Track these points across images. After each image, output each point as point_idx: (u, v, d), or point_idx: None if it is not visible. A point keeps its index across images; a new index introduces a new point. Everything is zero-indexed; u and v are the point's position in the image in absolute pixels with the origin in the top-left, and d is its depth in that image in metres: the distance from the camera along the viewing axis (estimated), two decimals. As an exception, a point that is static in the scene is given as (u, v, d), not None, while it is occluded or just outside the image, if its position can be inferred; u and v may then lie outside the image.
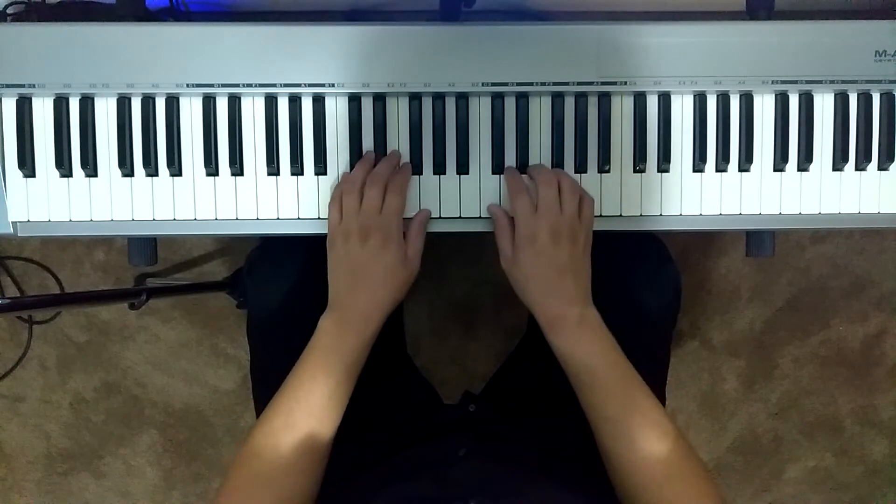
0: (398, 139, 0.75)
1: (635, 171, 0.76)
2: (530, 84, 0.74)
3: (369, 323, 0.70)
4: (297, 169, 0.75)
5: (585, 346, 0.69)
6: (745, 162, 0.76)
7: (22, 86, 0.72)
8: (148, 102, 0.74)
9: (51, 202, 0.75)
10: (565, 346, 0.69)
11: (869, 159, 0.77)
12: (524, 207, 0.70)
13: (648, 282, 0.82)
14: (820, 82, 0.75)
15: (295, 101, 0.74)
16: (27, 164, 0.74)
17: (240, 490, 0.67)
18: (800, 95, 0.76)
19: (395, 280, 0.71)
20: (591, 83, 0.74)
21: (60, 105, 0.74)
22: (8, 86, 0.73)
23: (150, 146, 0.74)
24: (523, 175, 0.74)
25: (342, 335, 0.70)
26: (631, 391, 0.68)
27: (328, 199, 0.74)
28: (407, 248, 0.72)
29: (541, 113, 0.75)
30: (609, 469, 0.70)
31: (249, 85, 0.73)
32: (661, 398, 0.85)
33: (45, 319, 1.39)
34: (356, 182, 0.72)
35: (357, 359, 0.70)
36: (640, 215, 0.76)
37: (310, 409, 0.68)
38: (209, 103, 0.74)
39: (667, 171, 0.76)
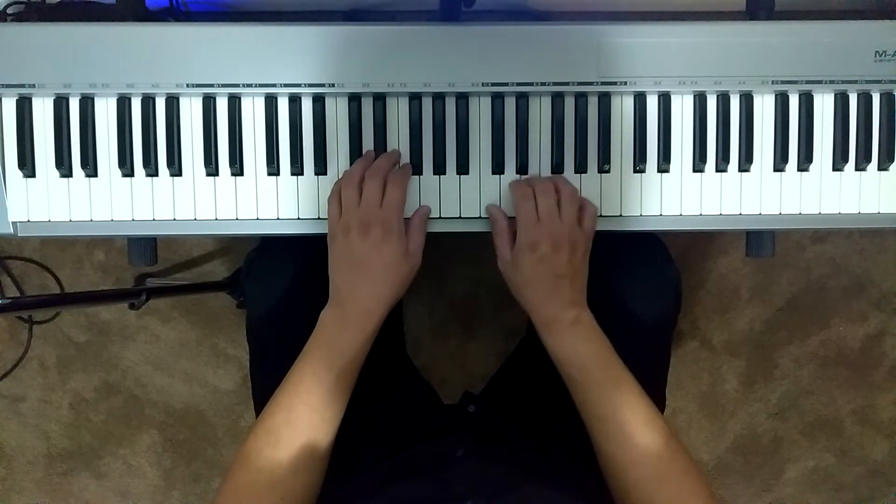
0: (398, 139, 0.75)
1: (635, 171, 0.76)
2: (530, 84, 0.74)
3: (371, 317, 0.70)
4: (297, 169, 0.75)
5: (579, 347, 0.69)
6: (745, 162, 0.76)
7: (22, 86, 0.72)
8: (148, 102, 0.74)
9: (51, 202, 0.75)
10: (559, 346, 0.70)
11: (869, 159, 0.76)
12: (528, 214, 0.70)
13: (648, 282, 0.82)
14: (820, 82, 0.75)
15: (295, 101, 0.74)
16: (27, 165, 0.74)
17: (241, 490, 0.66)
18: (800, 95, 0.76)
19: (396, 274, 0.70)
20: (591, 83, 0.74)
21: (60, 105, 0.74)
22: (8, 86, 0.73)
23: (150, 146, 0.74)
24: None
25: (343, 330, 0.70)
26: (623, 390, 0.69)
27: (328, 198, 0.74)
28: (408, 242, 0.71)
29: (541, 113, 0.75)
30: (603, 467, 0.70)
31: (249, 85, 0.73)
32: (662, 398, 0.86)
33: (45, 319, 1.39)
34: (355, 176, 0.71)
35: (358, 354, 0.70)
36: (641, 215, 0.76)
37: (311, 404, 0.68)
38: (209, 103, 0.74)
39: (667, 171, 0.76)
